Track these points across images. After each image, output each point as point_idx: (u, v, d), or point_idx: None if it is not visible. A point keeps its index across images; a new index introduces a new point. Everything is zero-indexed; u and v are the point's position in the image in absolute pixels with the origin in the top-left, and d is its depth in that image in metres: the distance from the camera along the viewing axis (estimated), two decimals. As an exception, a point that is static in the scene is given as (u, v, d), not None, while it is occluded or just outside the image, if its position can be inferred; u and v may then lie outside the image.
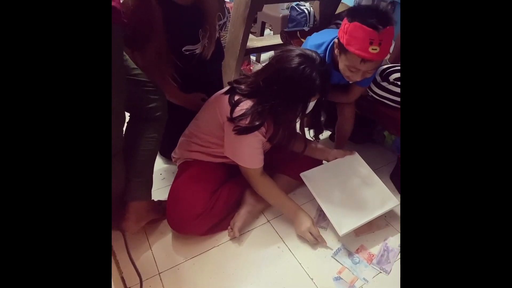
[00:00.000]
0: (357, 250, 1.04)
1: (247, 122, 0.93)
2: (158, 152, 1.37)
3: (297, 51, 0.93)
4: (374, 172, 1.17)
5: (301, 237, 1.06)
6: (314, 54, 0.93)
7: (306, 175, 1.13)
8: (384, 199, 1.11)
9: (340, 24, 1.40)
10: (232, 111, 0.94)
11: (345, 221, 1.03)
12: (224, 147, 1.01)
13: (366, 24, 0.91)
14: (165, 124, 1.01)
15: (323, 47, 1.11)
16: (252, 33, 2.15)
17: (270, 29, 2.77)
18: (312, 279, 0.96)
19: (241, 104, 0.94)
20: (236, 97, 0.96)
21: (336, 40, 1.04)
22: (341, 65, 1.04)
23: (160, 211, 1.07)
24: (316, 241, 1.03)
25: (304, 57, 0.91)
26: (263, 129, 0.97)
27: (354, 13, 0.95)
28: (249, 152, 0.99)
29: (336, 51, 1.06)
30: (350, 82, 1.18)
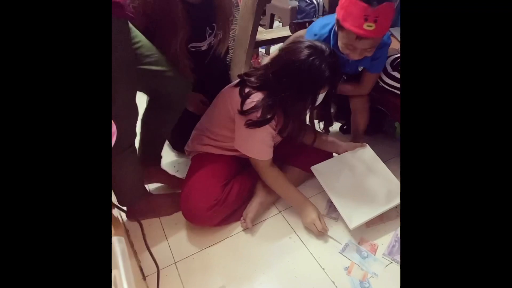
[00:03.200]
0: (359, 243, 1.04)
1: (258, 115, 0.94)
2: (171, 146, 1.41)
3: (307, 43, 0.93)
4: (385, 163, 1.17)
5: (308, 228, 1.08)
6: (323, 46, 0.93)
7: (317, 168, 1.13)
8: (394, 192, 1.11)
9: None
10: (242, 103, 0.95)
11: (355, 215, 1.04)
12: (234, 140, 1.03)
13: None
14: (182, 109, 1.05)
15: (328, 28, 1.09)
16: (261, 25, 2.14)
17: (279, 21, 2.74)
18: (323, 269, 0.98)
19: (252, 96, 0.95)
20: (247, 90, 0.97)
21: (336, 17, 1.03)
22: (339, 43, 1.03)
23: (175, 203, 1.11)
24: (320, 234, 1.04)
25: (313, 48, 0.91)
26: (273, 122, 0.98)
27: None
28: (259, 144, 1.01)
29: (335, 27, 1.04)
30: (359, 70, 1.17)
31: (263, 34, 1.87)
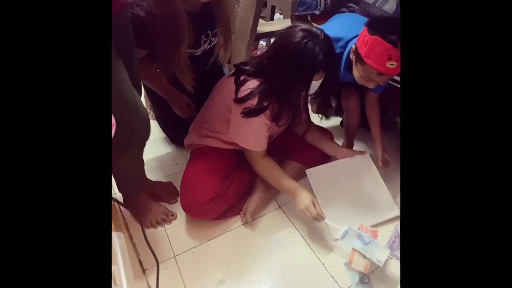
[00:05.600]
0: (359, 229, 0.99)
1: (254, 102, 0.92)
2: (170, 140, 1.40)
3: (301, 27, 0.92)
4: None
5: (306, 218, 1.04)
6: (318, 31, 0.92)
7: (311, 173, 1.11)
8: (385, 207, 1.09)
9: (352, 7, 1.35)
10: (237, 91, 0.94)
11: (341, 225, 1.00)
12: (230, 129, 1.01)
13: (387, 40, 0.89)
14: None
15: (341, 43, 1.08)
16: (262, 17, 2.12)
17: (280, 13, 2.71)
18: (323, 263, 0.98)
19: (247, 83, 0.95)
20: (242, 77, 0.96)
21: (353, 46, 1.02)
22: (355, 73, 1.03)
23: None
24: (315, 220, 0.98)
25: (307, 32, 0.90)
26: (267, 112, 0.96)
27: (375, 25, 0.93)
28: (254, 135, 1.00)
29: (351, 55, 1.03)
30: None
31: (264, 26, 1.84)
